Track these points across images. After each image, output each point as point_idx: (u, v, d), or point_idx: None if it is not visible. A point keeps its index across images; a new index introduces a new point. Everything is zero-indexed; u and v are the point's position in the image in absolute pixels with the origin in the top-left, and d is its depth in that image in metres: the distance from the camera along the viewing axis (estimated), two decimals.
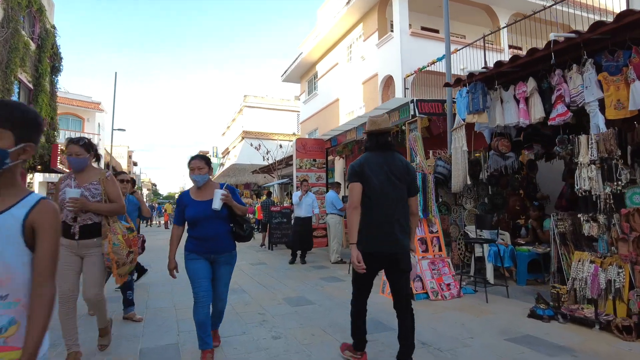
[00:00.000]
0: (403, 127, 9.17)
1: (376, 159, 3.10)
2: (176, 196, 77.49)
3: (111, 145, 24.18)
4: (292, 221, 9.83)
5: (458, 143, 6.32)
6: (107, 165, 44.22)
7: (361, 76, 17.24)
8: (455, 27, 15.81)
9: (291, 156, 16.98)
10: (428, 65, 13.34)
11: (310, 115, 22.47)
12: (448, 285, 5.71)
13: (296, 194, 9.46)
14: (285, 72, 24.77)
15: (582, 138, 4.61)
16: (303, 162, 12.05)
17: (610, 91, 4.76)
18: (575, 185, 4.69)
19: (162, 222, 26.44)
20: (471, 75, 6.18)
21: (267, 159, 17.02)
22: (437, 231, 6.14)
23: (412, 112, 8.19)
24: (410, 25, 14.37)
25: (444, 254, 6.06)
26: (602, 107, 4.95)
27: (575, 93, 5.16)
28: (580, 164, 4.59)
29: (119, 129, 24.59)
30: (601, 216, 4.45)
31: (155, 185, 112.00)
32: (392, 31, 14.78)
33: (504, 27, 12.97)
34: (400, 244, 3.01)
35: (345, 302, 4.45)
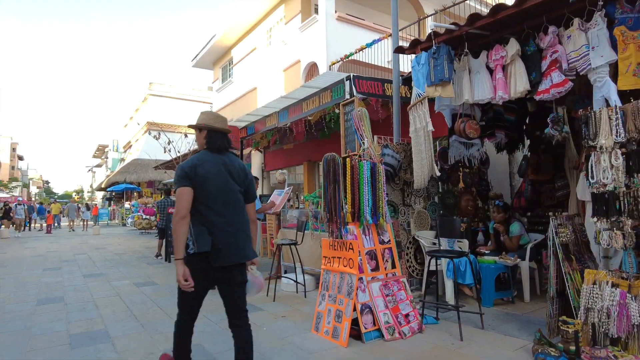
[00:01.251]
0: (337, 110, 7.56)
1: (214, 159, 2.73)
2: (73, 195, 69.22)
3: None
4: None
5: (420, 122, 4.78)
6: None
7: (282, 63, 15.48)
8: (382, 20, 14.70)
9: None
10: (356, 52, 11.97)
11: (224, 105, 20.14)
12: (406, 316, 4.13)
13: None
14: (196, 57, 22.12)
15: (603, 112, 3.28)
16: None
17: (629, 51, 3.51)
18: (589, 179, 3.35)
19: (45, 225, 22.07)
20: (434, 35, 4.69)
21: (169, 152, 14.44)
22: (390, 241, 4.55)
23: (347, 91, 6.60)
24: (335, 10, 12.91)
25: (398, 272, 4.49)
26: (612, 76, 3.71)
27: (575, 57, 3.87)
28: (601, 149, 3.25)
29: None
30: (629, 221, 3.14)
31: (48, 183, 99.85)
32: (316, 14, 13.20)
33: (429, 16, 11.95)
34: (243, 254, 2.71)
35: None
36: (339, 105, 6.73)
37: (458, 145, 5.18)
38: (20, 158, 67.23)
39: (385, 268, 4.39)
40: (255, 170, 14.08)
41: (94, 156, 56.37)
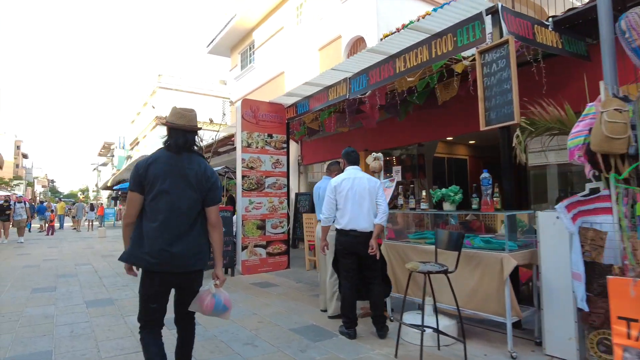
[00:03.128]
0: (465, 61, 5.27)
1: (169, 159, 2.48)
2: (79, 194, 67.32)
3: None
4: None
5: None
6: None
7: (317, 41, 13.17)
8: None
9: (226, 139, 12.33)
10: (418, 20, 9.63)
11: (245, 93, 17.81)
12: None
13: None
14: (212, 42, 19.79)
15: None
16: (252, 138, 7.57)
17: None
18: None
19: (47, 225, 19.60)
20: None
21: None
22: None
23: (489, 31, 4.29)
24: None
25: None
26: None
27: None
28: None
29: None
30: None
31: (54, 182, 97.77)
32: None
33: None
34: (182, 263, 2.42)
35: None
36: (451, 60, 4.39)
37: None
38: (25, 156, 64.97)
39: None
40: (291, 165, 11.75)
41: (100, 154, 54.10)
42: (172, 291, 2.58)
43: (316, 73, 13.51)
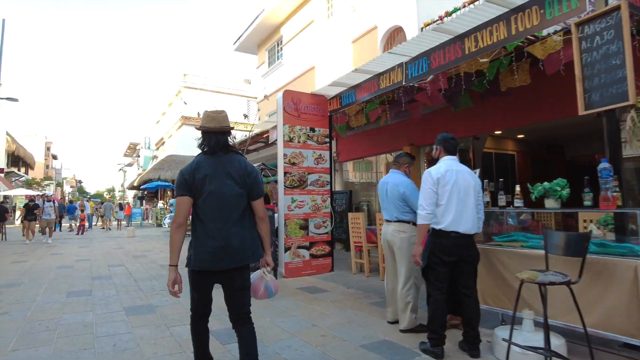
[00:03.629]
0: (555, 36, 4.63)
1: (210, 161, 2.55)
2: (105, 194, 68.12)
3: None
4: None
5: None
6: (11, 155, 35.68)
7: (351, 33, 12.61)
8: None
9: (257, 136, 11.89)
10: (464, 6, 8.97)
11: (273, 90, 17.37)
12: None
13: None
14: (239, 39, 19.43)
15: None
16: (294, 132, 7.05)
17: None
18: None
19: (76, 225, 19.56)
20: None
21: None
22: None
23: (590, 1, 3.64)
24: None
25: None
26: None
27: None
28: None
29: (8, 98, 17.74)
30: None
31: (81, 182, 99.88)
32: None
33: None
34: (239, 258, 2.52)
35: None
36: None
37: None
38: (55, 157, 66.38)
39: None
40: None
41: (125, 155, 54.75)
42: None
43: (349, 66, 12.94)
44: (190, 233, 2.69)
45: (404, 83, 5.69)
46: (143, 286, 6.28)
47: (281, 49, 17.46)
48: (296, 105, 7.10)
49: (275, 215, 6.92)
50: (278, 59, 17.69)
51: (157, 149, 37.57)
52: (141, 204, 35.05)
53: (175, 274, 2.51)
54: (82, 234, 18.25)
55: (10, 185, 29.54)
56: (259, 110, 11.39)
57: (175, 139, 30.01)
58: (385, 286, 4.35)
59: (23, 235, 14.85)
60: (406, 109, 6.94)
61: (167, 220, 20.33)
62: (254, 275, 2.72)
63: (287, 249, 6.78)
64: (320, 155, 7.31)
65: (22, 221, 14.94)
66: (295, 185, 6.97)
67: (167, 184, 26.19)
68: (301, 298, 5.37)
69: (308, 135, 7.20)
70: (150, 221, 27.63)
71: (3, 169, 29.02)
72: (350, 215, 7.08)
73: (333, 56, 13.52)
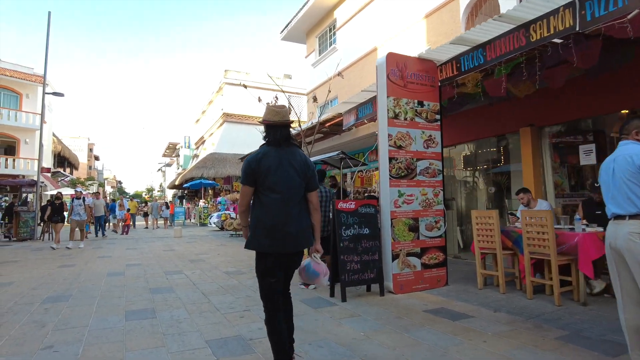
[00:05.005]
0: None
1: (275, 152, 2.70)
2: (144, 194, 68.87)
3: (42, 113, 16.44)
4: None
5: None
6: (57, 155, 35.82)
7: (423, 7, 10.98)
8: None
9: (327, 122, 10.39)
10: None
11: (325, 80, 15.89)
12: None
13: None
14: (286, 27, 18.07)
15: None
16: (400, 107, 5.46)
17: None
18: None
19: (122, 225, 18.64)
20: None
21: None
22: None
23: None
24: None
25: None
26: None
27: None
28: None
29: (54, 93, 17.02)
30: None
31: (121, 183, 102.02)
32: None
33: None
34: (298, 243, 2.69)
35: None
36: None
37: None
38: (97, 158, 67.51)
39: None
40: None
41: (164, 155, 54.79)
42: None
43: (421, 44, 11.26)
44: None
45: (578, 29, 4.00)
46: (217, 304, 4.85)
47: (334, 33, 15.94)
48: (401, 72, 5.52)
49: (379, 213, 5.37)
50: (331, 44, 16.19)
51: (197, 147, 36.90)
52: (181, 203, 34.40)
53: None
54: (126, 234, 17.35)
55: (56, 185, 29.39)
56: (308, 102, 9.88)
57: (216, 136, 29.08)
58: (623, 321, 2.71)
59: (39, 237, 14.07)
60: (548, 76, 5.25)
61: (214, 219, 19.19)
62: (307, 262, 2.85)
63: (394, 257, 5.21)
64: (431, 136, 5.69)
65: (43, 221, 13.27)
66: (402, 174, 5.40)
67: (210, 182, 25.22)
68: (443, 327, 3.78)
69: (416, 110, 5.60)
70: (193, 220, 26.74)
71: (50, 168, 28.88)
72: (474, 213, 5.43)
73: (401, 34, 11.89)
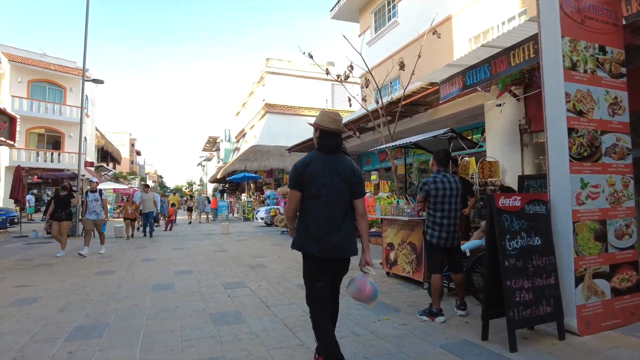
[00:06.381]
0: None
1: (323, 159, 2.68)
2: (185, 189, 69.28)
3: (82, 98, 15.40)
4: None
5: None
6: (100, 150, 35.74)
7: None
8: None
9: (416, 94, 8.61)
10: None
11: (382, 60, 14.02)
12: None
13: None
14: (337, 3, 16.28)
15: None
16: (578, 52, 3.60)
17: None
18: None
19: (166, 220, 17.55)
20: None
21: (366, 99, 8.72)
22: None
23: None
24: None
25: None
26: None
27: None
28: None
29: (94, 80, 16.03)
30: None
31: (162, 177, 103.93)
32: None
33: None
34: (343, 250, 2.64)
35: None
36: None
37: None
38: (138, 153, 68.42)
39: None
40: (506, 132, 7.58)
41: (204, 149, 54.41)
42: None
43: (513, 6, 9.22)
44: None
45: None
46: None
47: (394, 6, 14.00)
48: (578, 1, 3.64)
49: (553, 215, 3.53)
50: (390, 19, 14.26)
51: (238, 141, 35.84)
52: (222, 198, 33.51)
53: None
54: (170, 229, 16.21)
55: (100, 179, 29.05)
56: (401, 68, 8.08)
57: (258, 128, 27.75)
58: None
59: (80, 234, 12.32)
60: None
61: (262, 214, 17.79)
62: (358, 275, 2.72)
63: (578, 280, 3.37)
64: (616, 99, 3.79)
65: (48, 218, 9.18)
66: (585, 154, 3.54)
67: (253, 175, 23.92)
68: None
69: (597, 59, 3.71)
70: (236, 215, 25.58)
71: (93, 162, 28.54)
72: None
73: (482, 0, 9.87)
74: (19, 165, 14.13)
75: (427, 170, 10.52)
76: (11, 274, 6.61)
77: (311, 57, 7.79)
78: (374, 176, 10.84)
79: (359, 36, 16.47)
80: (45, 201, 15.32)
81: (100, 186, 28.81)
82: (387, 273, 6.12)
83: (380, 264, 6.47)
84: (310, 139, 14.81)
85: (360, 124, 11.08)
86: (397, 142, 6.74)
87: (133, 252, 9.41)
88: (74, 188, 9.49)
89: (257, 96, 29.34)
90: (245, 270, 6.77)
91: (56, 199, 8.83)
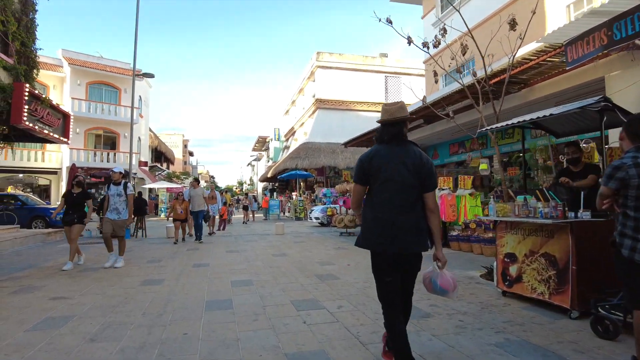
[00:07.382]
0: None
1: (387, 150, 2.60)
2: (235, 189, 70.12)
3: (132, 97, 14.93)
4: None
5: None
6: (154, 150, 36.29)
7: None
8: None
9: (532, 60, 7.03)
10: None
11: (450, 42, 12.31)
12: None
13: None
14: None
15: None
16: None
17: None
18: None
19: (219, 220, 15.84)
20: None
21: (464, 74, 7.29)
22: None
23: None
24: None
25: None
26: None
27: None
28: None
29: (144, 74, 15.59)
30: None
31: (214, 178, 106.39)
32: None
33: None
34: (405, 244, 2.48)
35: None
36: None
37: None
38: (191, 154, 70.02)
39: None
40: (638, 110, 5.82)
41: (254, 149, 54.44)
42: None
43: None
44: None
45: None
46: None
47: None
48: None
49: None
50: None
51: (287, 139, 35.07)
52: (272, 197, 32.85)
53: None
54: (223, 229, 15.40)
55: (154, 179, 29.23)
56: (464, 53, 6.55)
57: (308, 125, 26.70)
58: None
59: (133, 234, 11.48)
60: None
61: (317, 214, 16.64)
62: (427, 271, 2.67)
63: None
64: None
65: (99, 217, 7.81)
66: None
67: (304, 173, 22.86)
68: None
69: None
70: (287, 214, 24.67)
71: (147, 162, 28.76)
72: None
73: None
74: (73, 164, 13.83)
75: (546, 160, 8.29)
76: (52, 282, 5.78)
77: (390, 23, 6.37)
78: (483, 165, 8.57)
79: (422, 18, 14.86)
80: (98, 200, 14.86)
81: (154, 185, 28.66)
82: (504, 292, 4.61)
83: (482, 277, 4.97)
84: (367, 133, 13.41)
85: (442, 106, 9.38)
86: (514, 120, 5.20)
87: (184, 255, 8.47)
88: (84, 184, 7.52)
89: (307, 92, 28.32)
90: (315, 283, 5.51)
91: (67, 198, 7.11)
